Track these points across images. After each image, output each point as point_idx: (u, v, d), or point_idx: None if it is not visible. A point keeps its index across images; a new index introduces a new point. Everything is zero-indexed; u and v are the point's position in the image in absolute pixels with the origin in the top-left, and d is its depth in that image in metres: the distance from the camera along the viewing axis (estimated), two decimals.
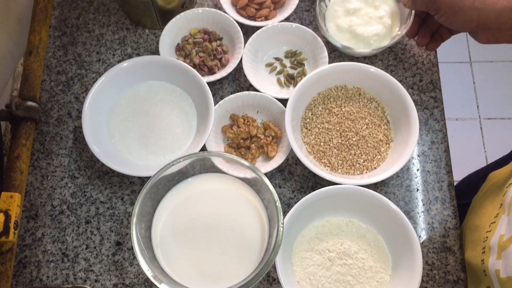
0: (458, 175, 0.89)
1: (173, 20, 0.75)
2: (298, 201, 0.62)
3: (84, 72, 0.77)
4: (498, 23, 0.62)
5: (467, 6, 0.62)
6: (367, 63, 0.71)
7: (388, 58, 0.77)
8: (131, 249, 0.67)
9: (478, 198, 0.69)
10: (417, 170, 0.71)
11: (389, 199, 0.64)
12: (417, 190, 0.70)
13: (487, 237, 0.60)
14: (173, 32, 0.76)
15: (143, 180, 0.70)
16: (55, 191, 0.70)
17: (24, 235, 0.68)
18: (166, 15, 0.76)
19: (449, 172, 0.71)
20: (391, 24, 0.74)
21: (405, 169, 0.71)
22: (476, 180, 0.72)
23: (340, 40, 0.73)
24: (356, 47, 0.73)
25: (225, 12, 0.76)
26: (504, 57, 1.81)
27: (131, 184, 0.70)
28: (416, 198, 0.69)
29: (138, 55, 0.78)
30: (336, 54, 0.77)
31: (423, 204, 0.69)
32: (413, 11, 0.71)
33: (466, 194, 0.73)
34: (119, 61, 0.77)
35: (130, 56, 0.78)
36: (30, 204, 0.69)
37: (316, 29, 0.75)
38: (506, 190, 0.60)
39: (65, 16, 0.81)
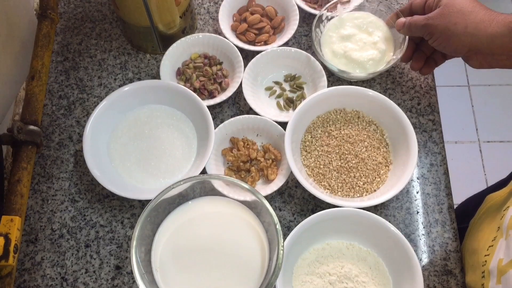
0: (459, 198, 0.89)
1: (174, 45, 0.77)
2: (298, 224, 0.62)
3: (85, 96, 0.78)
4: (490, 48, 0.63)
5: (460, 32, 0.63)
6: (365, 87, 0.72)
7: (386, 81, 0.78)
8: (131, 273, 0.67)
9: (475, 220, 0.69)
10: (417, 192, 0.71)
11: (389, 221, 0.64)
12: (417, 212, 0.69)
13: (485, 261, 0.60)
14: (174, 56, 0.77)
15: (143, 204, 0.70)
16: (55, 215, 0.70)
17: (24, 259, 0.67)
18: (167, 40, 0.77)
19: (449, 194, 0.71)
20: (385, 49, 0.76)
21: (405, 192, 0.71)
22: (474, 203, 0.72)
23: (337, 65, 0.74)
24: (352, 71, 0.74)
25: (225, 37, 0.77)
26: (501, 81, 1.82)
27: (131, 208, 0.70)
28: (416, 221, 0.69)
29: (139, 79, 0.79)
30: (335, 77, 0.78)
31: (424, 227, 0.69)
32: (407, 36, 0.73)
33: (465, 217, 0.72)
34: (120, 86, 0.78)
35: (131, 81, 0.79)
36: (30, 228, 0.69)
37: (315, 53, 0.76)
38: (503, 214, 0.60)
39: (68, 41, 0.82)
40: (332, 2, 0.77)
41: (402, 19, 0.71)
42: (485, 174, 1.68)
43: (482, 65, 0.66)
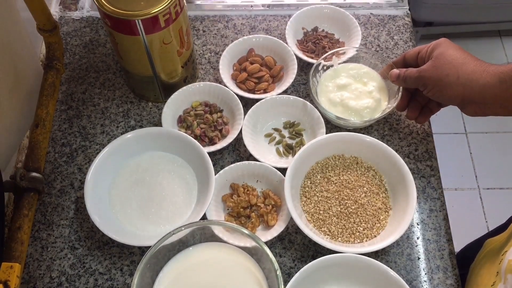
0: (461, 245, 0.88)
1: (176, 93, 0.79)
2: (298, 270, 0.62)
3: (88, 144, 0.79)
4: (483, 97, 0.65)
5: (453, 82, 0.65)
6: (363, 133, 0.74)
7: (383, 128, 0.80)
8: None
9: (475, 265, 0.68)
10: (417, 238, 0.71)
11: (391, 268, 0.63)
12: (418, 258, 0.69)
13: None
14: (175, 104, 0.79)
15: (143, 250, 0.70)
16: (54, 263, 0.70)
17: None
18: (169, 89, 0.79)
19: (449, 240, 0.71)
20: (380, 98, 0.78)
21: (405, 238, 0.71)
22: (474, 248, 0.72)
23: (334, 113, 0.76)
24: (349, 119, 0.76)
25: (225, 86, 0.80)
26: (499, 128, 1.85)
27: (130, 255, 0.70)
28: (418, 267, 0.69)
29: (141, 127, 0.80)
30: (333, 125, 0.79)
31: (425, 273, 0.68)
32: (400, 87, 0.75)
33: (465, 263, 0.72)
34: (122, 133, 0.79)
35: (133, 128, 0.80)
36: (29, 276, 0.69)
37: (313, 101, 0.78)
38: (501, 258, 0.60)
39: (72, 91, 0.84)
40: (328, 53, 0.80)
41: (396, 71, 0.73)
42: (486, 222, 1.67)
43: (476, 113, 0.68)
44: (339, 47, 0.85)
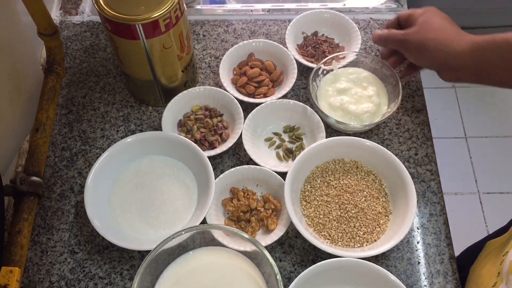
0: (461, 249, 0.88)
1: (176, 97, 0.79)
2: (298, 274, 0.62)
3: (88, 148, 0.79)
4: (457, 64, 0.69)
5: (432, 48, 0.70)
6: (362, 137, 0.74)
7: (383, 132, 0.80)
8: None
9: (475, 266, 0.68)
10: (417, 242, 0.71)
11: (391, 272, 0.63)
12: (419, 263, 0.69)
13: None
14: (175, 109, 0.79)
15: (142, 255, 0.70)
16: (54, 267, 0.69)
17: None
18: (169, 93, 0.79)
19: (450, 244, 0.71)
20: (380, 102, 0.78)
21: (405, 242, 0.71)
22: (474, 251, 0.72)
23: (334, 117, 0.76)
24: (349, 123, 0.76)
25: (225, 90, 0.80)
26: (498, 132, 1.85)
27: (130, 259, 0.70)
28: (418, 271, 0.68)
29: (141, 131, 0.80)
30: (333, 129, 0.80)
31: (426, 278, 0.68)
32: (400, 91, 0.76)
33: (465, 266, 0.72)
34: (122, 137, 0.79)
35: (133, 132, 0.80)
36: (28, 281, 0.68)
37: (313, 105, 0.78)
38: (503, 259, 0.60)
39: (72, 95, 0.85)
40: (328, 57, 0.80)
41: (379, 31, 0.77)
42: (486, 226, 1.67)
43: (451, 79, 0.72)
44: (339, 52, 0.85)
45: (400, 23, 0.78)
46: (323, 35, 0.89)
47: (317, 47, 0.86)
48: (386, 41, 0.76)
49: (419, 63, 0.74)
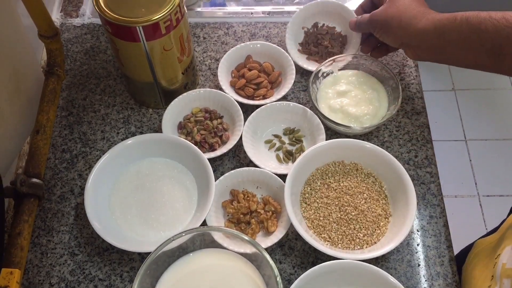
0: None
1: (176, 100, 0.79)
2: (298, 276, 0.62)
3: (88, 150, 0.79)
4: (419, 42, 0.70)
5: (395, 25, 0.71)
6: (363, 140, 0.74)
7: (383, 134, 0.80)
8: None
9: (466, 266, 0.69)
10: (418, 245, 0.71)
11: (391, 274, 0.63)
12: (418, 265, 0.69)
13: None
14: (175, 111, 0.79)
15: (143, 257, 0.70)
16: (54, 269, 0.69)
17: None
18: (169, 95, 0.79)
19: (450, 247, 0.71)
20: (380, 105, 0.79)
21: (405, 244, 0.71)
22: (467, 251, 0.73)
23: (334, 119, 0.76)
24: (349, 125, 0.76)
25: (225, 92, 0.80)
26: (498, 135, 1.85)
27: (130, 261, 0.70)
28: (418, 274, 0.68)
29: (141, 133, 0.81)
30: (333, 131, 0.80)
31: (425, 280, 0.68)
32: (400, 94, 0.76)
33: (460, 267, 0.72)
34: (122, 139, 0.79)
35: (133, 134, 0.80)
36: (28, 283, 0.68)
37: (313, 108, 0.78)
38: (495, 262, 0.60)
39: (73, 97, 0.85)
40: (328, 59, 0.80)
41: (354, 19, 0.80)
42: (486, 228, 1.67)
43: (415, 57, 0.73)
44: (341, 42, 0.86)
45: (373, 1, 0.80)
46: (323, 25, 0.88)
47: (319, 42, 0.86)
48: (359, 26, 0.78)
49: (385, 41, 0.75)
